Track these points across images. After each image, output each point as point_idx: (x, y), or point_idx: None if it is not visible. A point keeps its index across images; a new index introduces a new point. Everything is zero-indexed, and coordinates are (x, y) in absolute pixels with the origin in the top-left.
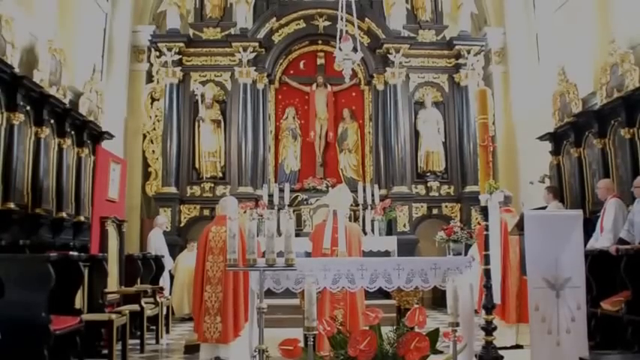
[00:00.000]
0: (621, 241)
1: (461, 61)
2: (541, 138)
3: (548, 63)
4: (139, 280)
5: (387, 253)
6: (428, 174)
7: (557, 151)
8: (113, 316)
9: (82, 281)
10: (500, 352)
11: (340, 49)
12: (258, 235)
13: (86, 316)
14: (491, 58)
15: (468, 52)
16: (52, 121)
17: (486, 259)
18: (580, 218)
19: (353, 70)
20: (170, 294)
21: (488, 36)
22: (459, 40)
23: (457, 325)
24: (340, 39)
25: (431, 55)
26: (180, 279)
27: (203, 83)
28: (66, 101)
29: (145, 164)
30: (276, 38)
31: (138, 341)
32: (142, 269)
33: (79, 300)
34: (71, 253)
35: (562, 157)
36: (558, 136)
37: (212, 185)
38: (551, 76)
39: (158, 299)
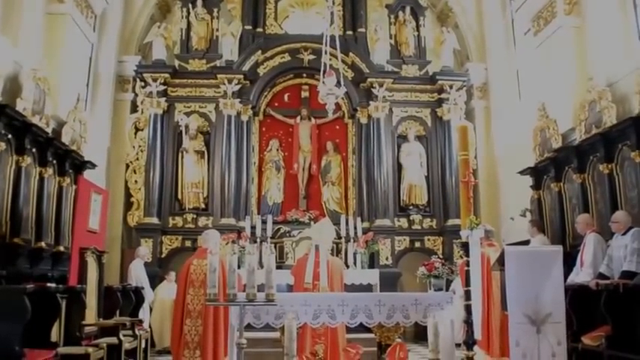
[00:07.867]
0: (601, 276)
1: (443, 95)
2: (522, 172)
3: (529, 99)
4: (118, 312)
5: (369, 286)
6: (410, 207)
7: (538, 186)
8: (90, 349)
9: (59, 313)
10: None
11: (324, 83)
12: (239, 268)
13: (62, 350)
14: (473, 93)
15: (451, 87)
16: (34, 150)
17: (467, 295)
18: (560, 254)
19: (337, 103)
20: (149, 326)
21: (470, 71)
22: (441, 76)
23: None
24: (324, 73)
25: (414, 90)
26: (158, 310)
27: (187, 114)
28: (49, 130)
29: (127, 194)
30: (261, 71)
31: None
32: (122, 301)
33: (56, 333)
34: (49, 284)
35: (543, 191)
36: (539, 171)
37: (194, 216)
38: (532, 111)
39: (137, 332)
